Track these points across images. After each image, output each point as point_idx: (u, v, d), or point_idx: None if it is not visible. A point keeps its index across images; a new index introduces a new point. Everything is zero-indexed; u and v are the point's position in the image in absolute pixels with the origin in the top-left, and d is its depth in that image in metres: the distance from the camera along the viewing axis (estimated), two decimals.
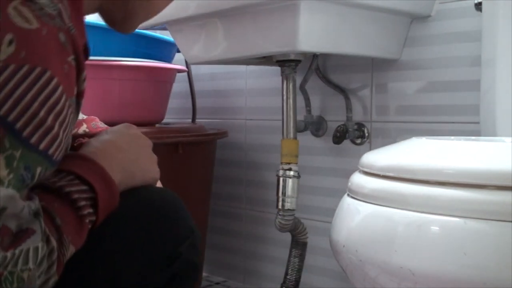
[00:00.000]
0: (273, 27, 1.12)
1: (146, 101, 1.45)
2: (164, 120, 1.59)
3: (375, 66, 1.37)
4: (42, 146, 0.52)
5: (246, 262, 1.69)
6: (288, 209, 1.22)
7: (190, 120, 1.75)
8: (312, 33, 1.11)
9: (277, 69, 1.32)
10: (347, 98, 1.38)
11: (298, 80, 1.36)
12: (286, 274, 1.31)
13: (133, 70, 1.41)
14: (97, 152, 0.65)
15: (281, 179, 1.22)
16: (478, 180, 0.63)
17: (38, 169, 0.52)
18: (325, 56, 1.42)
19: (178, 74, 1.61)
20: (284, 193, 1.22)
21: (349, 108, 1.38)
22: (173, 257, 0.72)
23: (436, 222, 0.64)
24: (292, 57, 1.23)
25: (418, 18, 1.28)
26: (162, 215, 0.73)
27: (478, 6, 1.09)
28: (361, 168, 0.80)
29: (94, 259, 0.64)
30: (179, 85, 1.73)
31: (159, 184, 0.79)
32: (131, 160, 0.71)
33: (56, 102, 0.53)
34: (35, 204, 0.53)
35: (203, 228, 1.59)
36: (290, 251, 1.32)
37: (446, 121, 1.25)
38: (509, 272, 0.59)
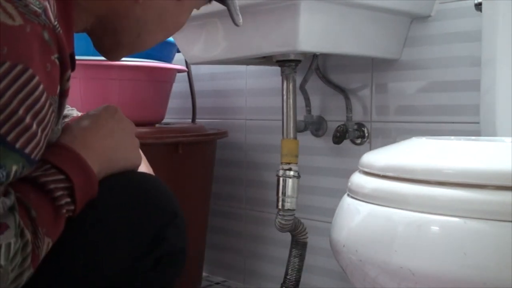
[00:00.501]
0: (273, 27, 1.12)
1: (146, 101, 1.45)
2: (164, 120, 1.59)
3: (375, 66, 1.37)
4: (18, 144, 0.52)
5: (246, 262, 1.69)
6: (288, 209, 1.22)
7: (190, 120, 1.75)
8: (312, 33, 1.11)
9: (277, 69, 1.32)
10: (347, 98, 1.38)
11: (298, 80, 1.36)
12: (286, 274, 1.31)
13: (133, 70, 1.41)
14: (75, 141, 0.64)
15: (281, 179, 1.22)
16: (478, 180, 0.63)
17: (14, 168, 0.52)
18: (325, 56, 1.42)
19: (178, 74, 1.61)
20: (284, 193, 1.21)
21: (349, 108, 1.38)
22: (157, 241, 0.72)
23: (436, 222, 0.64)
24: (292, 57, 1.23)
25: (418, 18, 1.28)
26: (144, 200, 0.72)
27: (478, 6, 1.09)
28: (361, 168, 0.80)
29: (75, 248, 0.64)
30: (179, 85, 1.73)
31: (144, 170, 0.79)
32: (111, 147, 0.70)
33: (36, 101, 0.53)
34: (11, 199, 0.53)
35: (203, 228, 1.59)
36: (290, 251, 1.32)
37: (446, 121, 1.25)
38: (509, 272, 0.59)
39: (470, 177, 0.64)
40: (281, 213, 1.23)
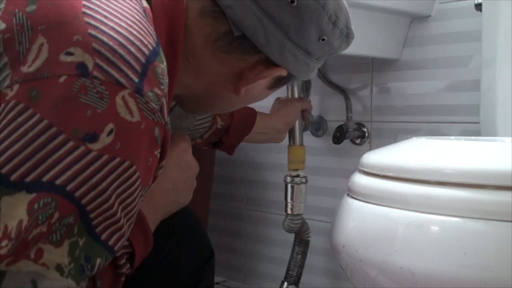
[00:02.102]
0: None
1: None
2: None
3: (375, 66, 1.37)
4: (104, 236, 0.52)
5: (246, 262, 1.69)
6: (297, 214, 1.25)
7: None
8: None
9: None
10: (347, 98, 1.38)
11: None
12: (288, 269, 1.33)
13: None
14: (144, 199, 0.64)
15: (289, 185, 1.24)
16: (478, 180, 0.63)
17: (98, 261, 0.53)
18: None
19: None
20: (292, 199, 1.24)
21: (349, 108, 1.38)
22: (196, 280, 0.73)
23: (436, 222, 0.64)
24: None
25: (418, 18, 1.28)
26: (189, 240, 0.74)
27: (478, 6, 1.09)
28: (361, 168, 0.80)
29: (127, 285, 0.65)
30: None
31: None
32: (171, 201, 0.72)
33: (130, 195, 0.53)
34: (85, 283, 0.53)
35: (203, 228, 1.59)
36: (293, 248, 1.34)
37: (446, 121, 1.25)
38: (509, 272, 0.59)
39: (470, 177, 0.64)
40: (289, 217, 1.26)
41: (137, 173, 0.53)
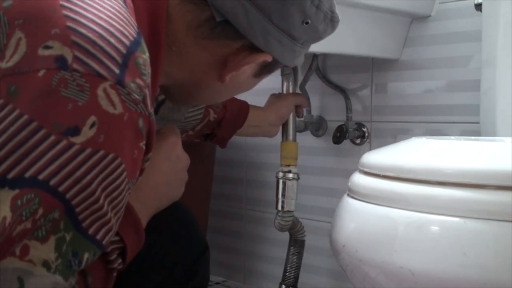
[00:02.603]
0: None
1: None
2: None
3: (375, 66, 1.37)
4: (91, 230, 0.52)
5: (246, 262, 1.69)
6: (288, 211, 1.22)
7: None
8: None
9: None
10: (347, 98, 1.38)
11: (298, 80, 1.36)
12: (285, 271, 1.32)
13: None
14: (133, 193, 0.63)
15: (280, 181, 1.22)
16: (478, 180, 0.63)
17: (86, 255, 0.52)
18: (325, 56, 1.42)
19: None
20: (284, 195, 1.22)
21: (349, 108, 1.38)
22: (190, 275, 0.73)
23: (436, 222, 0.64)
24: None
25: (418, 18, 1.28)
26: (182, 234, 0.73)
27: (478, 6, 1.09)
28: (361, 168, 0.80)
29: (120, 282, 0.64)
30: None
31: None
32: (162, 194, 0.71)
33: (116, 188, 0.53)
34: (75, 278, 0.52)
35: (203, 228, 1.59)
36: (289, 249, 1.33)
37: (446, 121, 1.25)
38: (509, 272, 0.59)
39: (470, 177, 0.64)
40: (280, 214, 1.23)
41: (123, 166, 0.52)
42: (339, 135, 1.34)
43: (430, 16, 1.26)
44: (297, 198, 1.23)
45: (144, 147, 0.56)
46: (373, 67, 1.37)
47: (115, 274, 0.60)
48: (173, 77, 0.69)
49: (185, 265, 0.74)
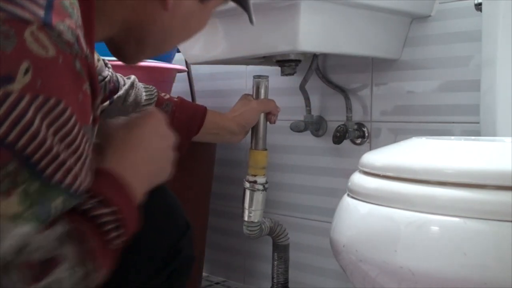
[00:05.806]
0: (273, 27, 1.11)
1: None
2: None
3: (375, 66, 1.37)
4: (55, 179, 0.50)
5: (246, 262, 1.69)
6: (252, 221, 1.20)
7: None
8: (312, 33, 1.11)
9: (277, 69, 1.32)
10: (347, 98, 1.38)
11: (298, 80, 1.36)
12: (272, 277, 1.31)
13: (133, 70, 1.40)
14: (127, 170, 0.63)
15: (247, 191, 1.19)
16: (478, 180, 0.63)
17: (54, 203, 0.51)
18: (325, 56, 1.42)
19: (178, 74, 1.61)
20: (250, 206, 1.19)
21: (349, 108, 1.38)
22: (173, 254, 0.72)
23: (436, 222, 0.64)
24: (292, 57, 1.23)
25: (418, 18, 1.28)
26: (162, 214, 0.73)
27: (478, 6, 1.09)
28: (361, 168, 0.80)
29: None
30: (179, 85, 1.72)
31: None
32: (156, 169, 0.69)
33: (69, 133, 0.51)
34: (64, 227, 0.51)
35: (203, 228, 1.59)
36: (273, 255, 1.31)
37: (446, 121, 1.25)
38: (509, 272, 0.59)
39: (470, 177, 0.64)
40: (245, 224, 1.21)
41: (69, 109, 0.51)
42: (339, 135, 1.34)
43: (430, 16, 1.26)
44: (264, 208, 1.20)
45: (88, 91, 0.54)
46: (373, 67, 1.37)
47: (113, 247, 0.58)
48: (115, 22, 0.67)
49: (167, 245, 0.73)
